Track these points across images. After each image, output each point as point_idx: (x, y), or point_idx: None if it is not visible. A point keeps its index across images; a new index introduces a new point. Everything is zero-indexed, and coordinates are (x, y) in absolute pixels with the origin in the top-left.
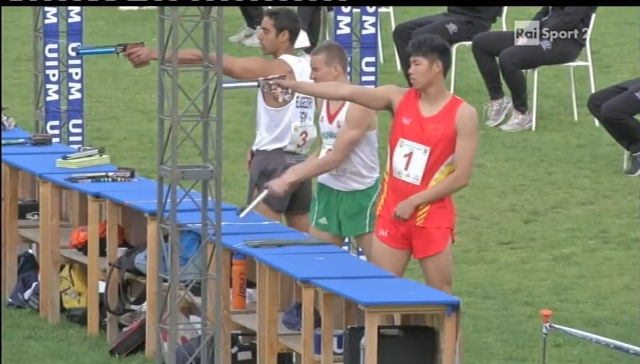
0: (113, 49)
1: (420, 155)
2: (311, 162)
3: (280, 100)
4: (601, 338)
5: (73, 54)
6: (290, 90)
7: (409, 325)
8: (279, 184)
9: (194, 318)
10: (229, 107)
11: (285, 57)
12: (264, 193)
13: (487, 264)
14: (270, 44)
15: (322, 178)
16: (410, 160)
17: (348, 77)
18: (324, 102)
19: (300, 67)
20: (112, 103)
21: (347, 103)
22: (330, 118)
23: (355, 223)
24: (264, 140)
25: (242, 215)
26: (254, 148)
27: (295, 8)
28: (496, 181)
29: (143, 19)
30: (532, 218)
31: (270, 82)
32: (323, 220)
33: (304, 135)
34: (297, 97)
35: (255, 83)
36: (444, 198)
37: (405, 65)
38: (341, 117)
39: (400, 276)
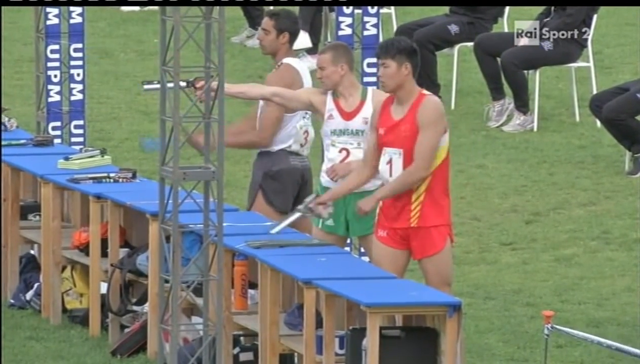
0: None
1: (397, 159)
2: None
3: (326, 216)
4: (602, 340)
5: (75, 54)
6: (330, 203)
7: (411, 326)
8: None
9: (195, 319)
10: (230, 108)
11: (289, 60)
12: (297, 214)
13: (489, 265)
14: (270, 45)
15: (327, 181)
16: (392, 166)
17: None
18: (328, 99)
19: (302, 68)
20: (114, 104)
21: (370, 100)
22: (348, 116)
23: (364, 224)
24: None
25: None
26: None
27: (296, 8)
28: (498, 182)
29: (145, 20)
30: (533, 219)
31: (310, 204)
32: (330, 222)
33: (306, 134)
34: None
35: (299, 214)
36: (430, 194)
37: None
38: (366, 113)
39: (400, 276)
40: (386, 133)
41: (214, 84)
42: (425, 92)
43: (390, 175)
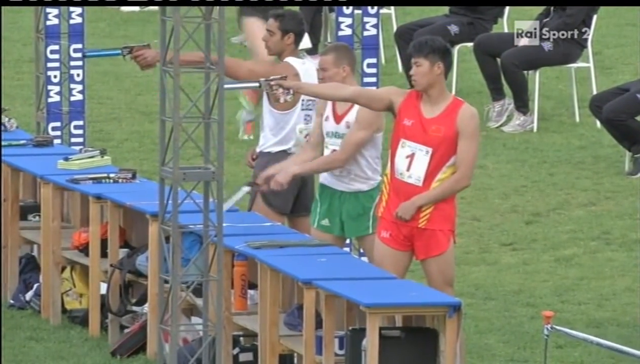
0: (119, 52)
1: (422, 156)
2: (317, 159)
3: (282, 100)
4: (602, 341)
5: (75, 55)
6: (291, 91)
7: (411, 326)
8: (283, 175)
9: (195, 320)
10: (230, 108)
11: (290, 60)
12: (246, 188)
13: (489, 265)
14: (275, 46)
15: (325, 179)
16: (412, 161)
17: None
18: (329, 102)
19: (305, 68)
20: (114, 104)
21: (356, 106)
22: (338, 119)
23: (359, 224)
24: (268, 142)
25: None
26: (258, 149)
27: (296, 8)
28: (498, 182)
29: (144, 20)
30: (533, 220)
31: (272, 82)
32: (325, 222)
33: (307, 137)
34: (302, 100)
35: (257, 84)
36: (446, 199)
37: (407, 66)
38: (350, 117)
39: (402, 277)
40: (413, 127)
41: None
42: (459, 98)
43: (408, 169)
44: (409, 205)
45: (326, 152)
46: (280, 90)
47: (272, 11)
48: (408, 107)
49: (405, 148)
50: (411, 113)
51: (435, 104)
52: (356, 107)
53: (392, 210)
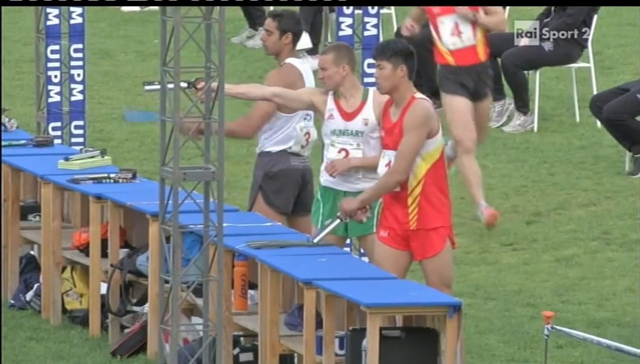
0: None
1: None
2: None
3: (364, 220)
4: (602, 340)
5: (75, 55)
6: (369, 207)
7: (411, 326)
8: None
9: (195, 320)
10: (230, 108)
11: (291, 61)
12: (337, 220)
13: (489, 265)
14: (274, 46)
15: (326, 180)
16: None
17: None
18: (330, 98)
19: (304, 68)
20: (114, 104)
21: (371, 101)
22: (348, 116)
23: (362, 224)
24: (268, 142)
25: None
26: (258, 150)
27: (296, 9)
28: (498, 182)
29: (145, 20)
30: (534, 220)
31: (349, 212)
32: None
33: (307, 135)
34: None
35: (338, 221)
36: (425, 197)
37: None
38: (366, 114)
39: (402, 277)
40: (385, 136)
41: (214, 85)
42: (417, 95)
43: None
44: (353, 199)
45: (332, 151)
46: (359, 212)
47: (270, 11)
48: (383, 117)
49: (384, 158)
50: (384, 123)
51: (399, 106)
52: (371, 103)
53: (387, 212)
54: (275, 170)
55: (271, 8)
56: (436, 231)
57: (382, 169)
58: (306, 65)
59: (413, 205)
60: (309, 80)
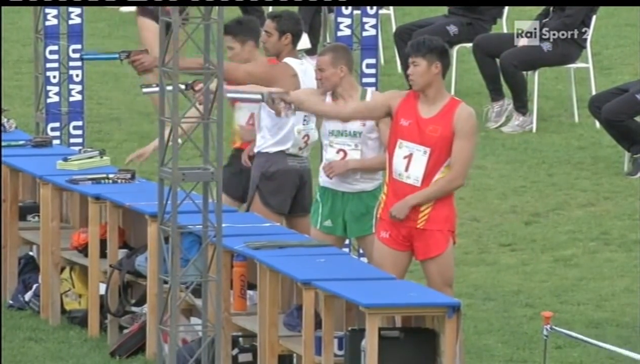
0: (117, 55)
1: (420, 156)
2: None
3: (283, 115)
4: (601, 344)
5: (74, 55)
6: (293, 106)
7: (410, 327)
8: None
9: (194, 320)
10: (229, 108)
11: (289, 60)
12: (258, 96)
13: (488, 266)
14: (273, 47)
15: (325, 180)
16: (411, 162)
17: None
18: (329, 99)
19: (303, 69)
20: (113, 105)
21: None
22: None
23: (362, 224)
24: (266, 143)
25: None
26: (256, 150)
27: (295, 9)
28: (497, 183)
29: None
30: (532, 220)
31: (274, 95)
32: (328, 223)
33: (306, 138)
34: None
35: (259, 97)
36: (442, 199)
37: (406, 66)
38: None
39: (401, 278)
40: (410, 127)
41: (213, 86)
42: (456, 98)
43: (407, 169)
44: (402, 204)
45: (330, 151)
46: (282, 104)
47: (270, 12)
48: (405, 107)
49: (402, 148)
50: (408, 113)
51: (432, 104)
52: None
53: None
54: (272, 170)
55: (270, 9)
56: (441, 232)
57: (399, 160)
58: (306, 66)
59: (427, 205)
60: (310, 81)
